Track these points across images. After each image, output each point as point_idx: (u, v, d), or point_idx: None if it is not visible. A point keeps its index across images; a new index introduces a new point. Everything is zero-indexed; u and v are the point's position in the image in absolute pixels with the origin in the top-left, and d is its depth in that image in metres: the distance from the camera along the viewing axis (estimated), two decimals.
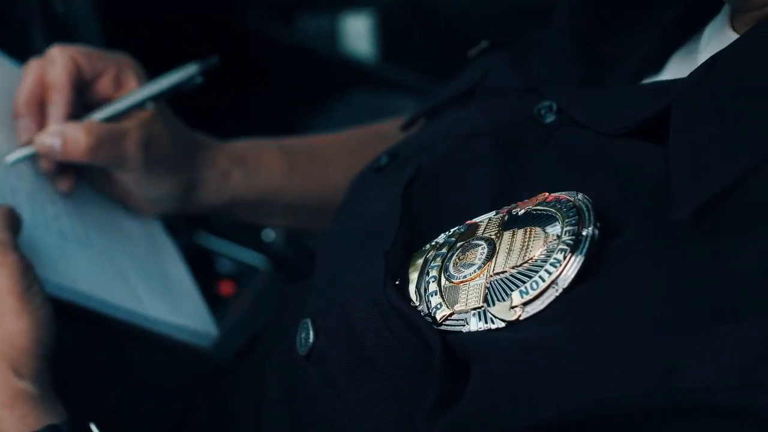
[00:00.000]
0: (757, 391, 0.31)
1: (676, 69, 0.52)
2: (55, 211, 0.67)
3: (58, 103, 0.67)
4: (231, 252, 1.12)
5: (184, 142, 0.73)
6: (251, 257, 1.12)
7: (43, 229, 0.64)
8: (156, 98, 0.69)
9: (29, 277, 0.55)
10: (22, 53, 0.78)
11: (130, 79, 0.70)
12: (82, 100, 0.69)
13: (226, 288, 1.11)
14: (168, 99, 0.72)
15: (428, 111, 0.64)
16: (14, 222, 0.58)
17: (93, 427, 0.54)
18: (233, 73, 1.60)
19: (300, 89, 1.61)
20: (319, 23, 1.63)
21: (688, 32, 0.52)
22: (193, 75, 0.70)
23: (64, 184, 0.69)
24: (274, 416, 0.56)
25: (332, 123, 1.43)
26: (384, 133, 0.78)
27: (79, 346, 0.73)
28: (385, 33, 1.61)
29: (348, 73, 1.58)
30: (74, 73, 0.67)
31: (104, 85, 0.69)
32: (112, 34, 1.14)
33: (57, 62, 0.67)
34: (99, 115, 0.68)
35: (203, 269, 1.12)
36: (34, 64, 0.68)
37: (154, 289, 0.70)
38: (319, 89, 1.56)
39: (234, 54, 1.57)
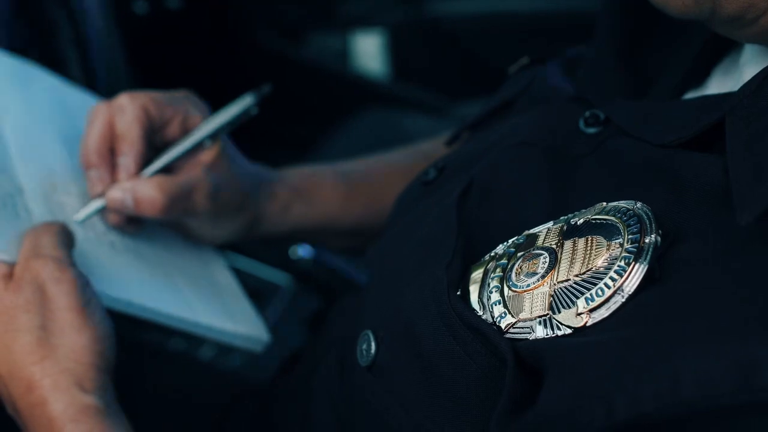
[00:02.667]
0: None
1: (719, 82, 0.53)
2: (104, 225, 0.68)
3: (129, 156, 0.66)
4: (254, 270, 1.13)
5: (248, 180, 0.73)
6: (274, 275, 1.12)
7: (95, 243, 0.65)
8: (215, 136, 0.69)
9: (87, 292, 0.56)
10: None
11: (197, 122, 0.70)
12: (150, 146, 0.68)
13: None
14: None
15: (471, 125, 0.65)
16: (68, 238, 0.59)
17: None
18: (244, 91, 1.61)
19: (312, 107, 1.62)
20: (331, 42, 1.65)
21: (728, 45, 0.54)
22: (249, 107, 0.70)
23: (131, 229, 0.69)
24: (325, 430, 0.57)
25: (344, 141, 1.45)
26: (428, 152, 0.79)
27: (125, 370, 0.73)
28: (395, 51, 1.63)
29: (359, 91, 1.60)
30: (145, 123, 0.66)
31: (172, 131, 0.69)
32: (130, 51, 1.15)
33: (127, 112, 0.66)
34: (162, 161, 0.67)
35: None
36: (101, 110, 0.67)
37: (205, 297, 0.71)
38: (331, 107, 1.57)
39: (247, 73, 1.59)
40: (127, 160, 0.66)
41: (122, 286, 0.63)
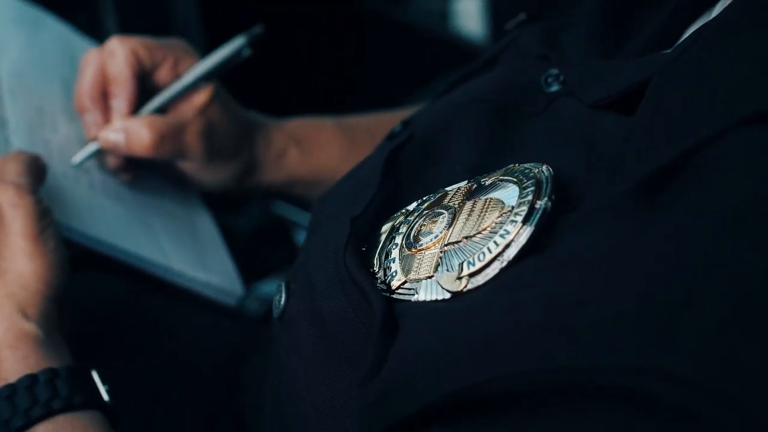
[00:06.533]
0: (644, 374, 0.28)
1: None
2: (87, 165, 0.69)
3: (121, 98, 0.68)
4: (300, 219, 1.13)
5: (242, 125, 0.74)
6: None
7: (73, 180, 0.67)
8: (207, 77, 0.70)
9: (45, 220, 0.56)
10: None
11: (189, 65, 0.71)
12: (143, 89, 0.69)
13: None
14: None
15: (457, 81, 0.62)
16: (36, 169, 0.60)
17: (94, 374, 0.55)
18: (345, 50, 1.62)
19: (410, 68, 1.60)
20: (431, 2, 1.62)
21: (702, 6, 0.49)
22: (241, 47, 0.71)
23: (127, 177, 0.71)
24: (270, 382, 0.56)
25: None
26: None
27: (127, 304, 0.75)
28: (496, 13, 1.58)
29: (458, 53, 1.57)
30: (135, 66, 0.68)
31: (163, 74, 0.70)
32: (210, 13, 1.16)
33: (118, 55, 0.67)
34: (155, 103, 0.69)
35: (280, 239, 1.14)
36: (92, 55, 0.68)
37: (180, 245, 0.72)
38: (429, 68, 1.54)
39: (346, 31, 1.59)
40: (119, 102, 0.68)
41: (93, 223, 0.65)
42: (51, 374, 0.52)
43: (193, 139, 0.68)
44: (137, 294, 0.77)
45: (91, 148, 0.68)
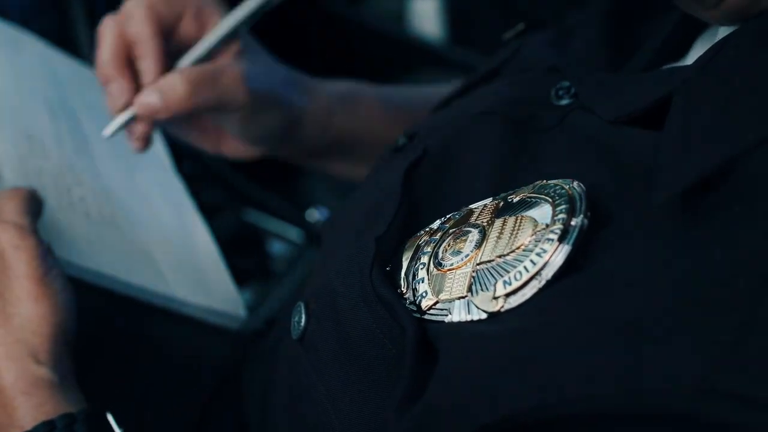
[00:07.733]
0: (713, 398, 0.29)
1: (699, 55, 0.49)
2: (81, 193, 0.67)
3: (148, 57, 0.63)
4: (281, 230, 1.12)
5: (281, 74, 0.70)
6: (301, 236, 1.11)
7: (68, 211, 0.64)
8: (239, 27, 0.65)
9: (48, 261, 0.54)
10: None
11: (211, 14, 0.66)
12: (168, 48, 0.65)
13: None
14: None
15: (458, 92, 0.62)
16: (35, 206, 0.57)
17: (109, 417, 0.53)
18: (300, 50, 1.60)
19: (366, 69, 1.60)
20: (388, 3, 1.62)
21: None
22: None
23: (140, 144, 0.67)
24: (278, 400, 0.55)
25: None
26: None
27: (112, 325, 0.73)
28: (453, 14, 1.59)
29: (415, 55, 1.56)
30: (156, 21, 0.63)
31: (187, 27, 0.66)
32: None
33: (136, 14, 0.63)
34: (188, 59, 0.65)
35: (251, 247, 1.12)
36: (109, 22, 0.64)
37: (181, 270, 0.70)
38: (386, 70, 1.54)
39: (301, 31, 1.58)
40: (147, 62, 0.63)
41: (93, 257, 0.62)
42: (68, 419, 0.50)
43: (232, 81, 0.64)
44: (119, 307, 0.75)
45: (124, 116, 0.63)
